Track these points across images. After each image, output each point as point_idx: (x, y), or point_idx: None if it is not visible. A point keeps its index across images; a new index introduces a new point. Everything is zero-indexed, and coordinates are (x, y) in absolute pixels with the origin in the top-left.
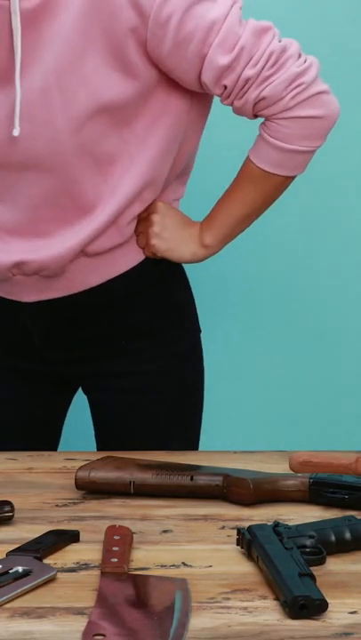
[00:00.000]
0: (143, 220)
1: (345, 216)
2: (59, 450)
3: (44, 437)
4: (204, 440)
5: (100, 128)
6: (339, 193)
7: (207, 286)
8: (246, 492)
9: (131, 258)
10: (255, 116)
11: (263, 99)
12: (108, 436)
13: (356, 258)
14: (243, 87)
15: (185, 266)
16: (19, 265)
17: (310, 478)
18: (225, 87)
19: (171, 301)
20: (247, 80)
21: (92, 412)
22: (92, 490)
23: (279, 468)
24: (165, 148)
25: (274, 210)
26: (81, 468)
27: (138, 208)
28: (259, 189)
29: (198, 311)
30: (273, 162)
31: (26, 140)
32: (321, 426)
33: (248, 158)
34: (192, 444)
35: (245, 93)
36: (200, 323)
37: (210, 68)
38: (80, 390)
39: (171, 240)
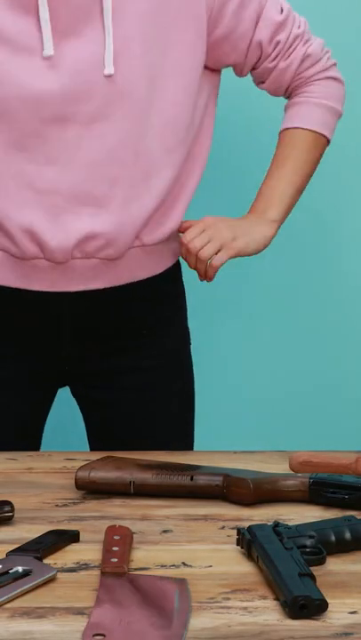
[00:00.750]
0: (208, 234)
1: (343, 216)
2: (59, 450)
3: (31, 439)
4: (204, 440)
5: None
6: (337, 195)
7: (210, 283)
8: (246, 492)
9: (170, 257)
10: (288, 90)
11: (308, 56)
12: (107, 436)
13: (356, 255)
14: (292, 44)
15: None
16: (86, 240)
17: (310, 478)
18: (277, 44)
19: (178, 300)
20: (296, 37)
21: (88, 411)
22: (92, 490)
23: (279, 467)
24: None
25: None
26: (81, 468)
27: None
28: (310, 154)
29: (200, 307)
30: (321, 122)
31: (121, 80)
32: (321, 426)
33: (292, 128)
34: (190, 440)
35: (294, 50)
36: (200, 320)
37: (266, 25)
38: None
39: (245, 234)
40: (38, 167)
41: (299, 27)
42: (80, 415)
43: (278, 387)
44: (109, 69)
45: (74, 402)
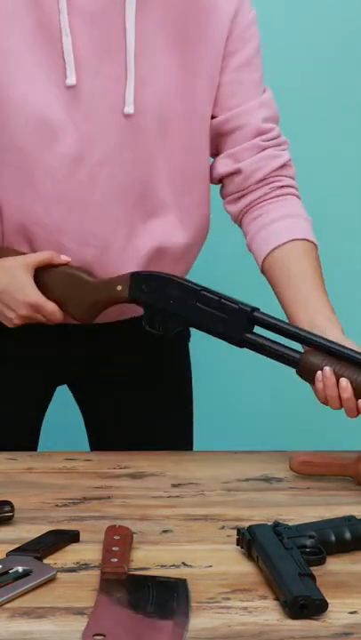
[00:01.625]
0: None
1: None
2: (59, 450)
3: (29, 438)
4: (205, 440)
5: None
6: (337, 201)
7: (214, 280)
8: None
9: None
10: (260, 182)
11: (291, 166)
12: (107, 435)
13: (357, 254)
14: (282, 144)
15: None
16: None
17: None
18: (272, 129)
19: None
20: (285, 142)
21: (87, 411)
22: None
23: (279, 467)
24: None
25: None
26: None
27: None
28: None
29: None
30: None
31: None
32: (321, 426)
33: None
34: (189, 435)
35: (283, 151)
36: None
37: (268, 105)
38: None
39: None
40: (47, 205)
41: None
42: (80, 415)
43: (278, 387)
44: (129, 109)
45: (74, 401)
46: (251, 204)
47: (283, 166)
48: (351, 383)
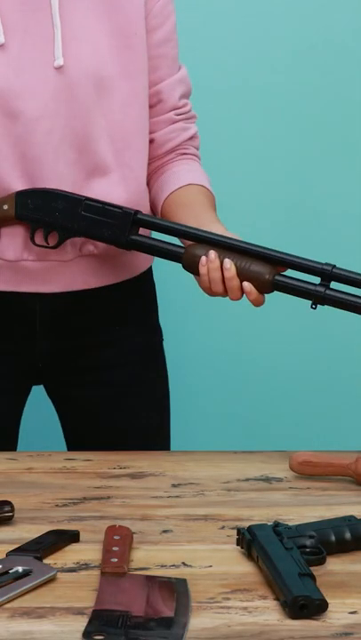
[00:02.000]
0: None
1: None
2: (59, 450)
3: (7, 439)
4: (205, 440)
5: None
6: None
7: None
8: None
9: (144, 262)
10: (169, 152)
11: (197, 137)
12: (81, 433)
13: (357, 253)
14: (191, 117)
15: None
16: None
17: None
18: (185, 105)
19: (149, 296)
20: (194, 115)
21: (62, 409)
22: None
23: (279, 467)
24: None
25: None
26: None
27: None
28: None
29: (201, 306)
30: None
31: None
32: (321, 426)
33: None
34: (166, 431)
35: (192, 124)
36: (201, 320)
37: (182, 81)
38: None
39: None
40: None
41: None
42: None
43: (278, 387)
44: (59, 61)
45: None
46: (158, 167)
47: (190, 138)
48: (235, 264)
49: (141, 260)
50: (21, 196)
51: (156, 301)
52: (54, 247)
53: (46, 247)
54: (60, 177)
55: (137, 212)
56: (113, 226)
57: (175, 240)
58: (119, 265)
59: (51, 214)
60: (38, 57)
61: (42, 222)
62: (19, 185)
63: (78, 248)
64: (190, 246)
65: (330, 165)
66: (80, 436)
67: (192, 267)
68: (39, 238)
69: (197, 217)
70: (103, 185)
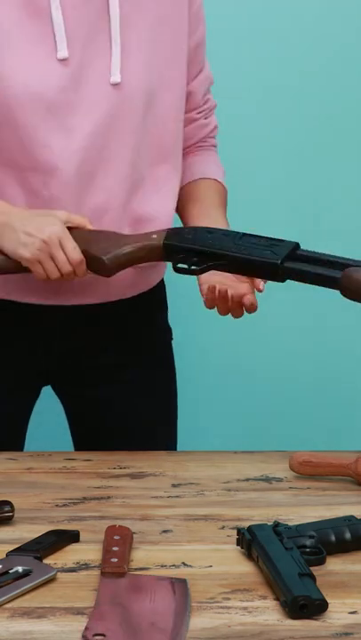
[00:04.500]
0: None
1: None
2: (59, 450)
3: (15, 439)
4: (205, 440)
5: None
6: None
7: None
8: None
9: (159, 274)
10: (191, 146)
11: (217, 127)
12: (91, 433)
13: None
14: (212, 109)
15: None
16: None
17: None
18: (206, 101)
19: (160, 299)
20: (214, 106)
21: (71, 409)
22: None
23: (279, 467)
24: None
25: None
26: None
27: None
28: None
29: (197, 304)
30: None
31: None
32: (321, 426)
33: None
34: (173, 429)
35: (212, 116)
36: (201, 320)
37: (206, 77)
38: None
39: None
40: (44, 177)
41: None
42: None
43: (278, 386)
44: (115, 77)
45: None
46: None
47: (210, 131)
48: None
49: (162, 267)
50: (173, 229)
51: (167, 302)
52: (194, 273)
53: (190, 274)
54: (109, 192)
55: (297, 244)
56: (269, 249)
57: None
58: (149, 274)
59: (202, 242)
60: (96, 72)
61: (191, 249)
62: (70, 200)
63: None
64: (350, 269)
65: (331, 164)
66: (89, 436)
67: (357, 292)
68: (182, 261)
69: (209, 215)
70: (144, 197)
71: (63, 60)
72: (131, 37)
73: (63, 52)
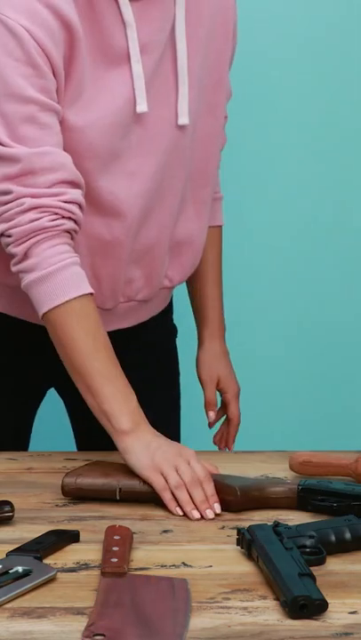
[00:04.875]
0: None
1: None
2: (59, 450)
3: (20, 440)
4: (205, 440)
5: None
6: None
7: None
8: (233, 499)
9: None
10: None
11: (224, 141)
12: (94, 433)
13: (356, 253)
14: (224, 125)
15: None
16: (128, 283)
17: (299, 485)
18: (225, 117)
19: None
20: (226, 120)
21: (78, 411)
22: (78, 497)
23: (279, 467)
24: None
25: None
26: (68, 474)
27: None
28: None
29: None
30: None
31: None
32: (321, 426)
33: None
34: (179, 434)
35: (223, 130)
36: None
37: (227, 91)
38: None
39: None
40: (108, 221)
41: None
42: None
43: (278, 387)
44: (183, 119)
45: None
46: None
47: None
48: None
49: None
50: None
51: (172, 301)
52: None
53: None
54: (162, 225)
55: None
56: None
57: None
58: (168, 295)
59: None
60: (162, 115)
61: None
62: (128, 240)
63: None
64: None
65: (335, 167)
66: (93, 437)
67: None
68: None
69: (205, 296)
70: (187, 222)
71: (144, 114)
72: (192, 76)
73: (143, 107)
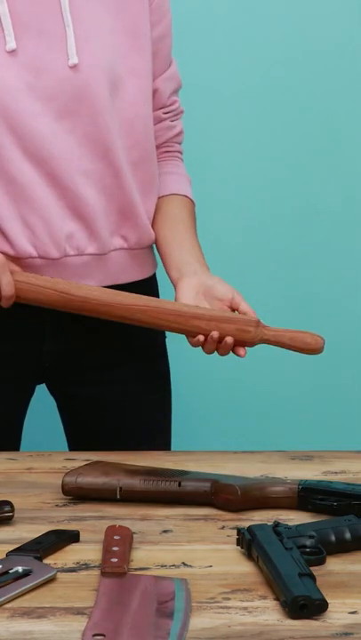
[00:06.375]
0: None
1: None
2: (59, 450)
3: (11, 437)
4: (204, 440)
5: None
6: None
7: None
8: (234, 499)
9: (151, 265)
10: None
11: (182, 133)
12: (85, 432)
13: (356, 253)
14: (178, 113)
15: None
16: (72, 235)
17: (299, 485)
18: (173, 102)
19: (156, 293)
20: (180, 112)
21: (65, 408)
22: (79, 496)
23: (279, 467)
24: None
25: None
26: (68, 473)
27: None
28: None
29: None
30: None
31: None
32: (321, 426)
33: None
34: (167, 429)
35: (178, 120)
36: None
37: (172, 77)
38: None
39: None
40: (21, 164)
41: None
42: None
43: (278, 386)
44: (73, 59)
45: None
46: None
47: (175, 135)
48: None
49: (153, 260)
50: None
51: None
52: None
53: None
54: (87, 175)
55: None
56: None
57: None
58: (143, 260)
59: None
60: (54, 57)
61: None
62: (41, 183)
63: (110, 241)
64: None
65: (329, 166)
66: (82, 436)
67: None
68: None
69: (181, 241)
70: (118, 181)
71: (13, 51)
72: (85, 20)
73: (11, 44)
